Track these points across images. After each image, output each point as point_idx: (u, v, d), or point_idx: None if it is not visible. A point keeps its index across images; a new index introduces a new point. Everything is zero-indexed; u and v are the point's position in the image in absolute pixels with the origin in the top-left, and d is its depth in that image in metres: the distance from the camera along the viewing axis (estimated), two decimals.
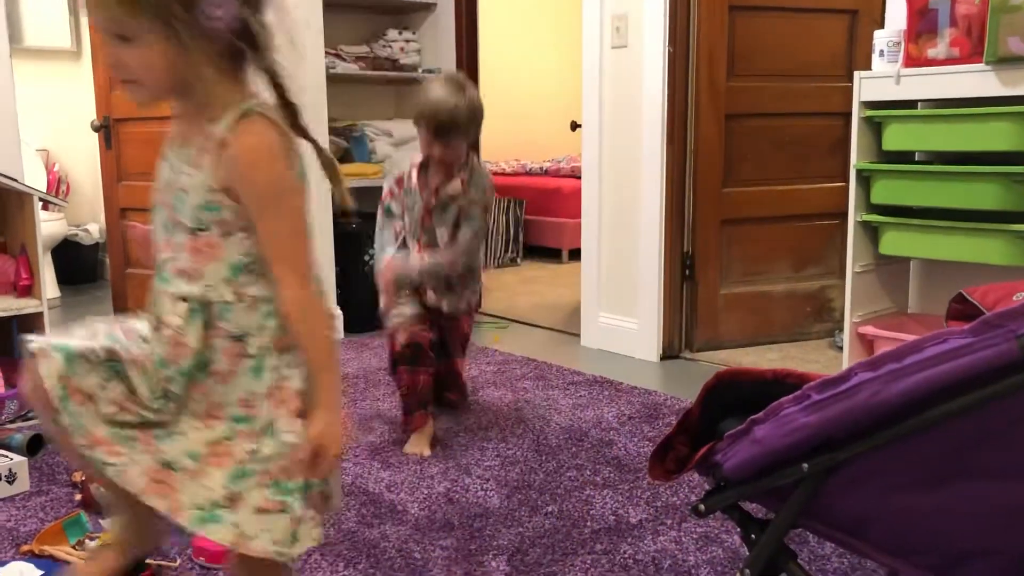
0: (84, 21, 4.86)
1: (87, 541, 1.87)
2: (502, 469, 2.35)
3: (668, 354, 3.56)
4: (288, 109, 1.27)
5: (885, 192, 2.68)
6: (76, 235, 5.32)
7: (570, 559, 1.86)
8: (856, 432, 1.07)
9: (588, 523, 2.03)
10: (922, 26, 2.55)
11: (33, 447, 2.41)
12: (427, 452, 2.48)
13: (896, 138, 2.64)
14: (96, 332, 1.31)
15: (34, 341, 1.28)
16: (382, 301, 2.59)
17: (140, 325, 1.31)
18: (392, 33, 4.37)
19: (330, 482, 1.30)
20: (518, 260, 6.28)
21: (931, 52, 2.54)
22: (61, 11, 5.34)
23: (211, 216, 1.22)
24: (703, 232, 3.53)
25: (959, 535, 1.09)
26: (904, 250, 2.71)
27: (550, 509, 2.11)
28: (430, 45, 4.42)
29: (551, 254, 6.42)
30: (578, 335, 3.86)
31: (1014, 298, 1.43)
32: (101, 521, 1.94)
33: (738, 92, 3.49)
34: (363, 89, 4.51)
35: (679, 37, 3.37)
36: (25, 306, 2.71)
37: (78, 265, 5.36)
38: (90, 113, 4.19)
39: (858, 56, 3.54)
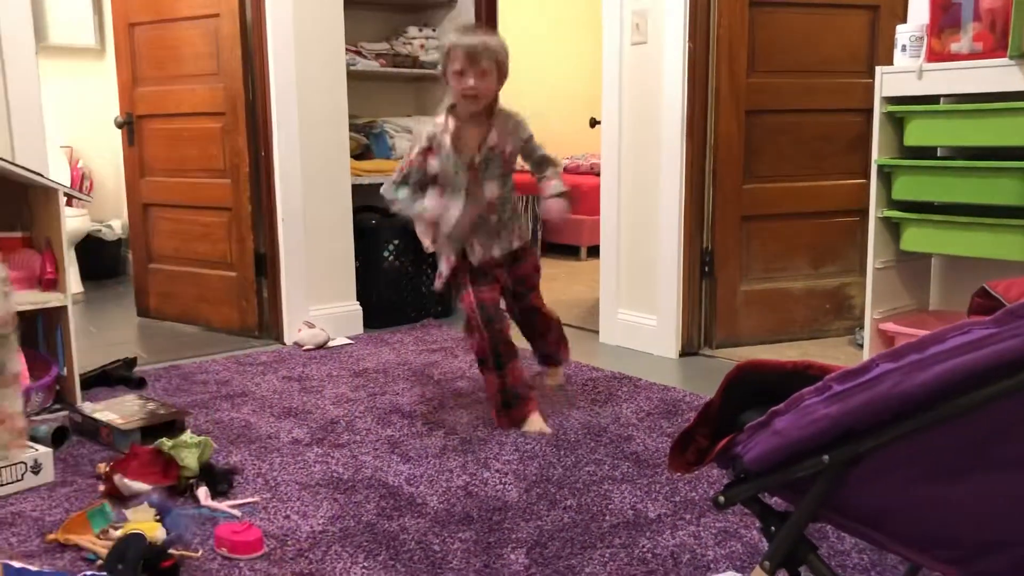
0: (108, 19, 4.90)
1: (111, 530, 1.89)
2: (521, 463, 2.36)
3: (687, 351, 3.56)
4: None
5: (906, 188, 2.66)
6: (99, 231, 5.38)
7: (588, 553, 1.86)
8: (877, 423, 1.06)
9: (607, 517, 2.04)
10: (945, 21, 2.53)
11: (58, 438, 2.44)
12: (548, 429, 2.58)
13: (918, 133, 2.63)
14: None
15: None
16: (426, 244, 2.67)
17: None
18: (412, 30, 4.39)
19: None
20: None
21: (954, 47, 2.52)
22: (86, 9, 5.39)
23: None
24: (722, 228, 3.52)
25: (981, 527, 1.08)
26: (925, 246, 2.69)
27: (569, 503, 2.11)
28: None
29: (570, 251, 6.42)
30: (597, 331, 3.86)
31: None
32: (124, 511, 1.96)
33: (758, 88, 3.48)
34: (383, 86, 4.53)
35: (699, 33, 3.36)
36: (49, 300, 2.74)
37: (101, 260, 5.41)
38: (113, 110, 4.24)
39: (880, 51, 3.52)
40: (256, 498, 2.15)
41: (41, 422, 2.49)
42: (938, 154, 2.77)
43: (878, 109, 2.69)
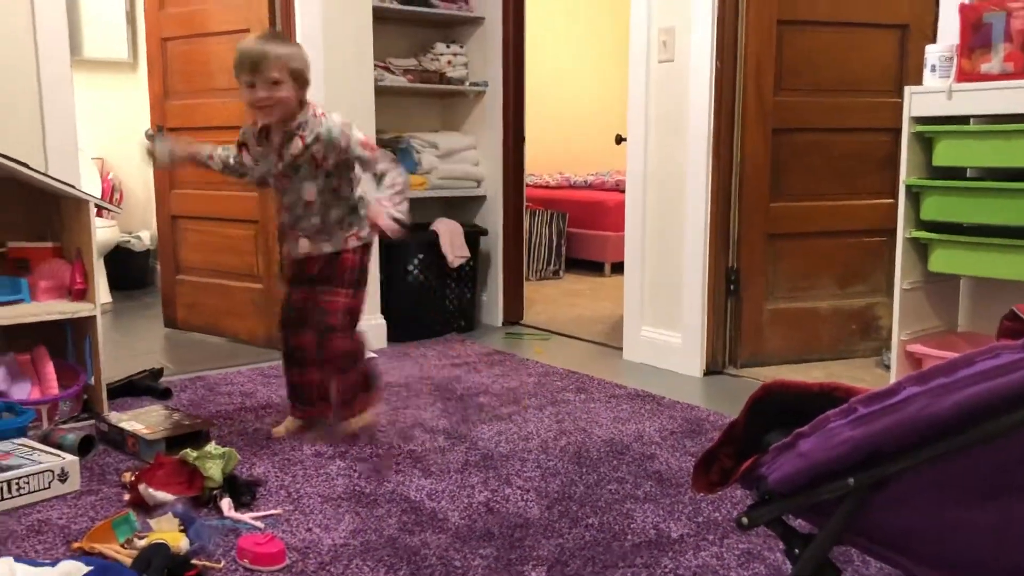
0: (141, 34, 4.97)
1: (135, 539, 1.91)
2: (543, 480, 2.35)
3: (711, 369, 3.54)
4: None
5: (935, 209, 2.64)
6: (128, 242, 5.44)
7: (610, 572, 1.85)
8: (903, 447, 1.06)
9: (629, 536, 2.02)
10: (975, 41, 2.51)
11: (84, 447, 2.47)
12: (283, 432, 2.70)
13: (947, 154, 2.60)
14: None
15: None
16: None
17: None
18: (440, 46, 4.41)
19: None
20: (561, 273, 6.28)
21: (984, 67, 2.50)
22: (119, 24, 5.48)
23: None
24: (748, 247, 3.51)
25: (1008, 552, 1.07)
26: (954, 268, 2.67)
27: (591, 521, 2.10)
28: (477, 58, 4.45)
29: (594, 267, 6.42)
30: (620, 348, 3.85)
31: None
32: (149, 520, 1.98)
33: (786, 107, 3.47)
34: (410, 101, 4.56)
35: (726, 51, 3.36)
36: (79, 310, 2.77)
37: (129, 271, 5.47)
38: (144, 123, 4.30)
39: (909, 71, 3.50)
40: (279, 510, 2.16)
41: (68, 431, 2.52)
42: (967, 175, 2.75)
43: (907, 129, 2.67)
